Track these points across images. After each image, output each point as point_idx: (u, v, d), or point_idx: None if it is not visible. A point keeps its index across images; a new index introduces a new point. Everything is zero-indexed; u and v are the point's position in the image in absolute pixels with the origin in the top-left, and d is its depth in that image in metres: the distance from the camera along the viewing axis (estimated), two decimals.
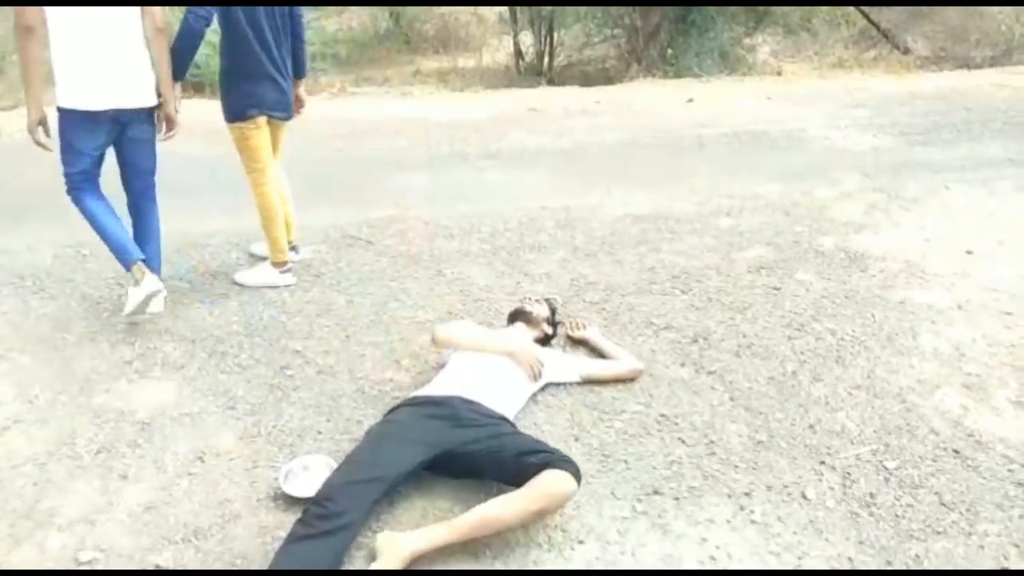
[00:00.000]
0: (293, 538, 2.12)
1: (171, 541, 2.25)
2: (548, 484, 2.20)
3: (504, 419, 2.57)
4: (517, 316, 3.20)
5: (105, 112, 3.14)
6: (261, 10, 3.41)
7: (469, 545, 2.20)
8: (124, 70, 3.16)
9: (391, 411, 2.63)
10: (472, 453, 2.39)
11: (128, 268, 3.28)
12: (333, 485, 2.24)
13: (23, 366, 3.14)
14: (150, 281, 3.26)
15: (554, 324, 3.27)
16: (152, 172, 3.45)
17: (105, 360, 3.18)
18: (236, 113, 3.51)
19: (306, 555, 2.08)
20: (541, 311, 3.21)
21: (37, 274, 3.92)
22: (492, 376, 2.74)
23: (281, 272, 3.78)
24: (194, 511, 2.37)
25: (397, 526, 2.29)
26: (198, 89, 8.54)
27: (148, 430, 2.74)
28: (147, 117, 3.32)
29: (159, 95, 3.30)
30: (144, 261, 3.29)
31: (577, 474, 2.25)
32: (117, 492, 2.45)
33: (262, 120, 3.56)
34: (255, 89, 3.50)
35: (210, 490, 2.46)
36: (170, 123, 3.39)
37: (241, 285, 3.78)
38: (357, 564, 2.16)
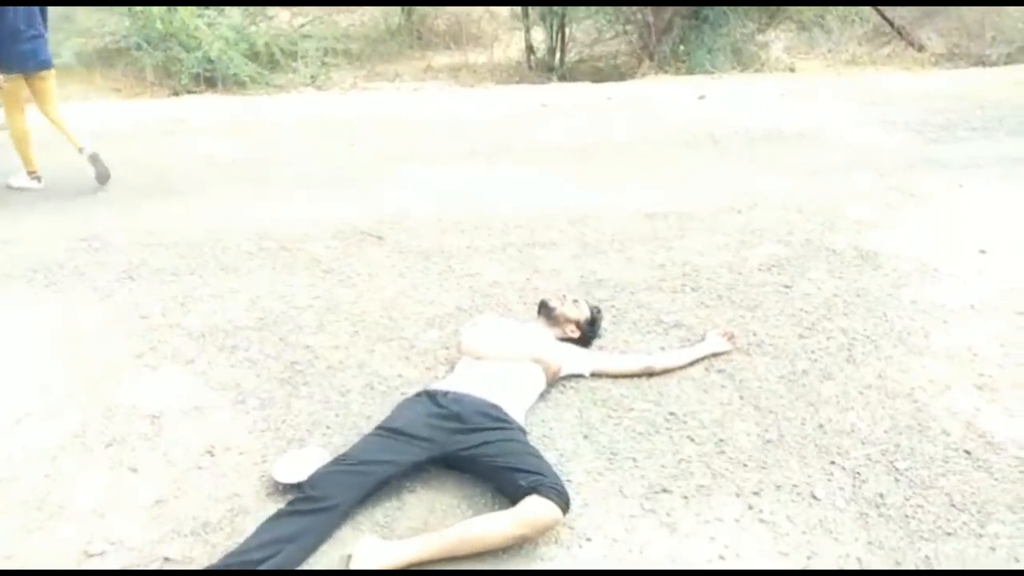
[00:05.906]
0: (273, 515, 2.22)
1: (180, 534, 2.27)
2: (532, 511, 2.18)
3: (510, 423, 2.54)
4: (541, 309, 3.15)
5: None
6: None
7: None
8: None
9: (400, 404, 2.65)
10: (469, 458, 2.41)
11: None
12: (318, 475, 2.32)
13: (35, 358, 3.16)
14: None
15: (588, 336, 3.15)
16: None
17: (116, 353, 3.19)
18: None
19: (286, 526, 2.16)
20: (569, 312, 3.11)
21: (49, 267, 3.94)
22: (505, 375, 2.73)
23: (31, 178, 5.05)
24: (203, 504, 2.38)
25: (404, 520, 2.30)
26: (211, 84, 8.58)
27: (158, 423, 2.75)
28: None
29: None
30: None
31: (564, 503, 2.22)
32: (127, 485, 2.46)
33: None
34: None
35: (219, 484, 2.47)
36: None
37: (11, 187, 5.04)
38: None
